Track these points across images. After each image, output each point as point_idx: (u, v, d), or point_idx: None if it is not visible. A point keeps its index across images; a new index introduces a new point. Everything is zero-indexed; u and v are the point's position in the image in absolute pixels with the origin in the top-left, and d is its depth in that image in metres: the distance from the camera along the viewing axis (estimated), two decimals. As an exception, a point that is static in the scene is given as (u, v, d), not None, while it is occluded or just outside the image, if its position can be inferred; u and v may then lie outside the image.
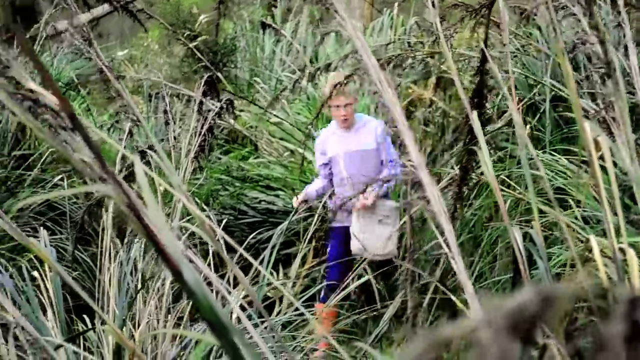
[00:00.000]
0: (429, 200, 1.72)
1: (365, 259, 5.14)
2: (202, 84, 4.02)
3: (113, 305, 2.99)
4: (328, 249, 5.91)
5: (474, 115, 2.19)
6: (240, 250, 1.53)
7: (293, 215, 5.29)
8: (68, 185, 5.94)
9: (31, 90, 1.47)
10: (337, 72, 6.16)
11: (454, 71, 2.32)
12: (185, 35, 10.56)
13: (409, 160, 1.76)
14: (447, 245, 1.69)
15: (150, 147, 4.09)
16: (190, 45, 10.09)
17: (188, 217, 3.98)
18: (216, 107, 4.10)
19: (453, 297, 1.89)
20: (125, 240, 3.75)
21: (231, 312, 2.94)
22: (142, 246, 3.30)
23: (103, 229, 3.91)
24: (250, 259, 1.58)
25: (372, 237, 5.54)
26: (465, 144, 3.98)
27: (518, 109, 4.78)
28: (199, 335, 2.95)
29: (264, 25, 12.14)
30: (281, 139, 7.97)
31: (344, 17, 1.71)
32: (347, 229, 5.73)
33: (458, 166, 4.33)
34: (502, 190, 4.54)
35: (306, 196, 6.00)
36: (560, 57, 1.70)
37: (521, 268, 2.04)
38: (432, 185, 1.68)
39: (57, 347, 2.23)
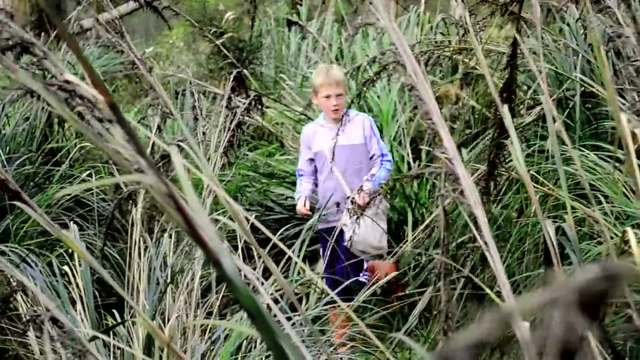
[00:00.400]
0: (462, 191, 1.71)
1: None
2: (231, 79, 4.02)
3: (143, 300, 3.00)
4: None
5: (504, 109, 2.17)
6: (275, 239, 1.53)
7: (319, 216, 5.22)
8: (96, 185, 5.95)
9: (67, 82, 1.48)
10: (326, 64, 6.13)
11: (483, 64, 2.31)
12: (211, 32, 10.57)
13: (443, 153, 1.75)
14: (482, 237, 1.68)
15: (180, 141, 4.10)
16: (217, 42, 10.10)
17: (217, 212, 3.99)
18: (244, 103, 4.10)
19: (488, 290, 1.88)
20: (154, 236, 3.76)
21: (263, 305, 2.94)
22: (172, 241, 3.31)
23: (132, 225, 3.93)
24: (285, 248, 1.58)
25: (367, 230, 5.39)
26: (493, 138, 3.97)
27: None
28: (233, 325, 2.96)
29: (289, 23, 12.13)
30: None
31: (379, 10, 1.71)
32: (330, 230, 5.43)
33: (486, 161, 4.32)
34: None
35: (307, 200, 5.78)
36: (596, 49, 1.69)
37: (554, 261, 2.02)
38: (467, 177, 1.67)
39: (92, 339, 2.24)
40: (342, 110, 5.65)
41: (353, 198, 5.22)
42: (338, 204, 5.59)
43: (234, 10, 12.21)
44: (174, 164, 1.21)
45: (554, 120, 2.06)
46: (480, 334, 0.52)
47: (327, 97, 5.66)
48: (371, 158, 5.80)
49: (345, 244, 5.23)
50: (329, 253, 5.05)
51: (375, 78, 4.44)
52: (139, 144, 1.21)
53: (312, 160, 5.88)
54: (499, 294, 1.80)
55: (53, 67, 1.52)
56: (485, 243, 1.67)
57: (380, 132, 7.63)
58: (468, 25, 2.79)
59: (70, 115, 1.36)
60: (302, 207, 5.67)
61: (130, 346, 2.86)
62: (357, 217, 5.00)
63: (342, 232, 5.27)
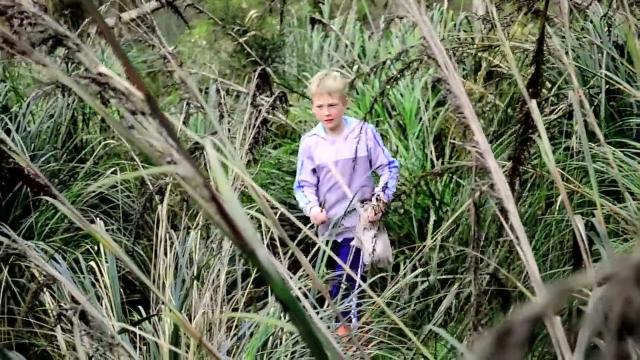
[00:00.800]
0: (492, 185, 1.71)
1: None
2: (256, 77, 4.02)
3: (169, 295, 3.01)
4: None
5: (533, 103, 2.16)
6: (305, 229, 1.53)
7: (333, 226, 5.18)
8: (120, 179, 5.98)
9: (100, 75, 1.48)
10: (326, 70, 5.85)
11: (511, 58, 2.30)
12: (234, 30, 10.60)
13: (474, 147, 1.75)
14: (513, 231, 1.68)
15: (212, 134, 4.11)
16: (240, 40, 10.12)
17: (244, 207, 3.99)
18: (269, 100, 4.10)
19: (519, 284, 1.88)
20: (180, 232, 3.76)
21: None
22: (198, 237, 3.32)
23: (157, 222, 3.94)
24: (315, 238, 1.58)
25: (385, 246, 5.36)
26: (519, 134, 3.95)
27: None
28: (264, 318, 2.96)
29: (313, 21, 12.15)
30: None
31: (410, 3, 1.71)
32: (335, 242, 5.51)
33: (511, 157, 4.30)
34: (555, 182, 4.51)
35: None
36: (630, 41, 1.68)
37: (584, 257, 2.02)
38: (499, 170, 1.67)
39: (122, 331, 2.25)
40: (337, 119, 5.55)
41: (367, 211, 5.18)
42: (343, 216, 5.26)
43: (257, 9, 12.24)
44: (207, 155, 1.21)
45: (584, 116, 2.05)
46: (541, 307, 0.52)
47: (320, 106, 5.50)
48: (377, 167, 5.64)
49: (366, 262, 5.24)
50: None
51: (399, 75, 4.44)
52: (174, 134, 1.21)
53: (314, 171, 5.71)
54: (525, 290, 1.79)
55: (87, 60, 1.53)
56: (517, 237, 1.66)
57: (403, 130, 7.64)
58: (495, 20, 2.78)
59: (101, 108, 1.36)
60: (319, 214, 5.51)
61: (156, 343, 2.87)
62: (375, 235, 4.96)
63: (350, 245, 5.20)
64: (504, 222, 1.79)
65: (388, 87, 4.73)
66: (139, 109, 1.44)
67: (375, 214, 5.16)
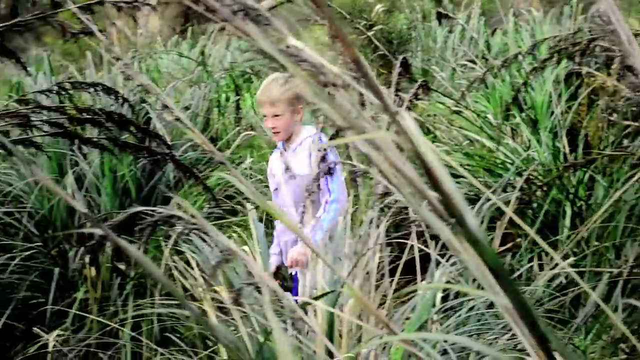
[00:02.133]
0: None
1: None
2: (398, 65, 4.02)
3: (321, 280, 3.02)
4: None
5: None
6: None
7: None
8: (257, 169, 6.07)
9: (290, 47, 1.50)
10: (275, 74, 4.91)
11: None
12: (362, 24, 10.65)
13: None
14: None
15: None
16: (369, 34, 10.13)
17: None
18: (409, 90, 4.09)
19: None
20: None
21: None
22: (349, 220, 3.33)
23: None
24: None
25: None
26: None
27: None
28: (465, 288, 2.95)
29: (439, 15, 12.12)
30: (460, 127, 7.89)
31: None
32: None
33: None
34: None
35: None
36: None
37: None
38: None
39: (304, 305, 2.28)
40: (286, 132, 4.70)
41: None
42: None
43: (384, 3, 12.27)
44: (406, 124, 1.21)
45: None
46: None
47: (264, 116, 4.77)
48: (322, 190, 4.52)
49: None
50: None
51: (542, 66, 4.38)
52: (384, 100, 1.22)
53: (277, 190, 4.82)
54: None
55: (277, 33, 1.55)
56: None
57: (535, 124, 7.54)
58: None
59: (306, 79, 1.38)
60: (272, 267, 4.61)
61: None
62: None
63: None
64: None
65: (532, 77, 4.68)
66: (330, 82, 1.46)
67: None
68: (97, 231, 0.98)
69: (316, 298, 2.35)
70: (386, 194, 3.02)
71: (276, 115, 4.60)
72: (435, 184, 1.16)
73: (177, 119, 2.29)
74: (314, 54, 1.49)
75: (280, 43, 1.56)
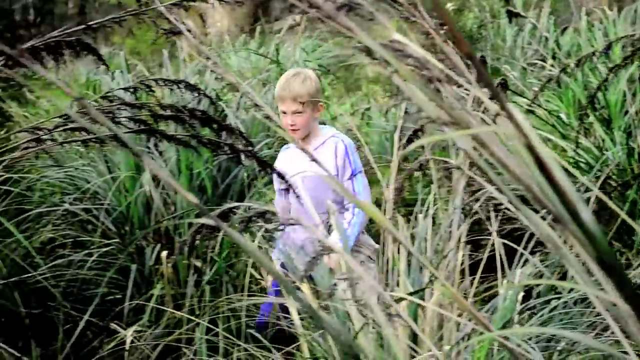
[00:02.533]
0: None
1: None
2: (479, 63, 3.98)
3: (404, 280, 3.01)
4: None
5: None
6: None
7: None
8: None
9: (394, 42, 1.51)
10: (297, 69, 4.82)
11: None
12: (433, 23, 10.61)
13: None
14: None
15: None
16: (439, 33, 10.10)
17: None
18: (486, 89, 4.05)
19: None
20: (412, 217, 3.71)
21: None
22: (430, 219, 3.30)
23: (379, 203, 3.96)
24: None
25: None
26: None
27: None
28: (564, 283, 2.94)
29: (510, 14, 12.05)
30: (533, 127, 7.82)
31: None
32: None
33: None
34: None
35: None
36: None
37: None
38: None
39: (399, 300, 2.28)
40: (305, 130, 4.57)
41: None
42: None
43: (454, 2, 12.24)
44: (515, 118, 1.21)
45: None
46: None
47: (283, 112, 4.55)
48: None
49: None
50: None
51: (624, 64, 4.33)
52: (499, 95, 1.22)
53: (286, 191, 4.61)
54: None
55: (381, 28, 1.56)
56: None
57: (608, 124, 7.45)
58: None
59: (408, 72, 1.38)
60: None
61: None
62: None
63: None
64: None
65: (611, 76, 4.63)
66: (435, 77, 1.47)
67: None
68: (209, 221, 1.00)
69: (410, 294, 2.34)
70: (473, 192, 3.01)
71: (297, 112, 4.49)
72: (549, 179, 1.16)
73: (267, 117, 2.30)
74: (419, 49, 1.50)
75: (382, 39, 1.58)
